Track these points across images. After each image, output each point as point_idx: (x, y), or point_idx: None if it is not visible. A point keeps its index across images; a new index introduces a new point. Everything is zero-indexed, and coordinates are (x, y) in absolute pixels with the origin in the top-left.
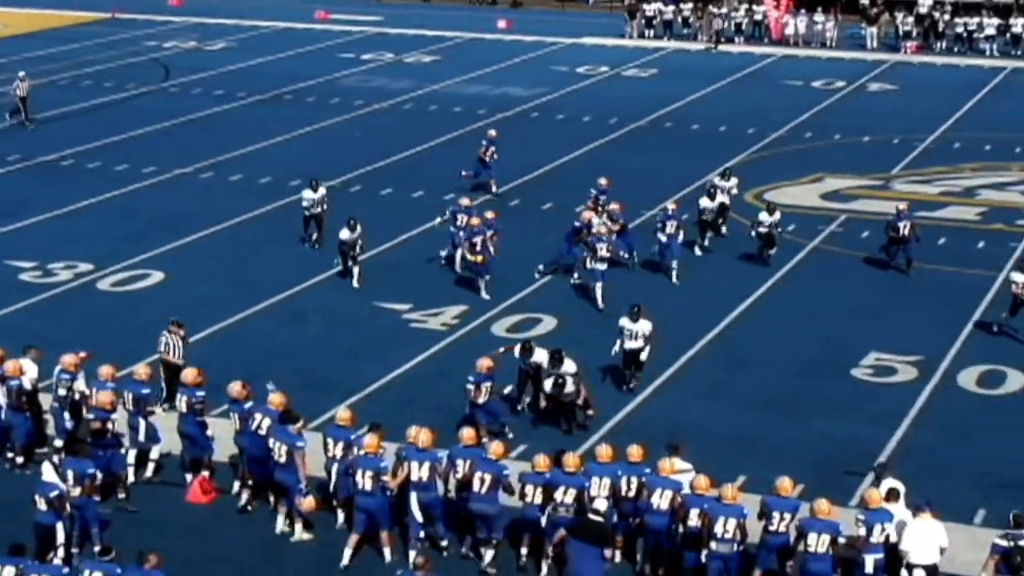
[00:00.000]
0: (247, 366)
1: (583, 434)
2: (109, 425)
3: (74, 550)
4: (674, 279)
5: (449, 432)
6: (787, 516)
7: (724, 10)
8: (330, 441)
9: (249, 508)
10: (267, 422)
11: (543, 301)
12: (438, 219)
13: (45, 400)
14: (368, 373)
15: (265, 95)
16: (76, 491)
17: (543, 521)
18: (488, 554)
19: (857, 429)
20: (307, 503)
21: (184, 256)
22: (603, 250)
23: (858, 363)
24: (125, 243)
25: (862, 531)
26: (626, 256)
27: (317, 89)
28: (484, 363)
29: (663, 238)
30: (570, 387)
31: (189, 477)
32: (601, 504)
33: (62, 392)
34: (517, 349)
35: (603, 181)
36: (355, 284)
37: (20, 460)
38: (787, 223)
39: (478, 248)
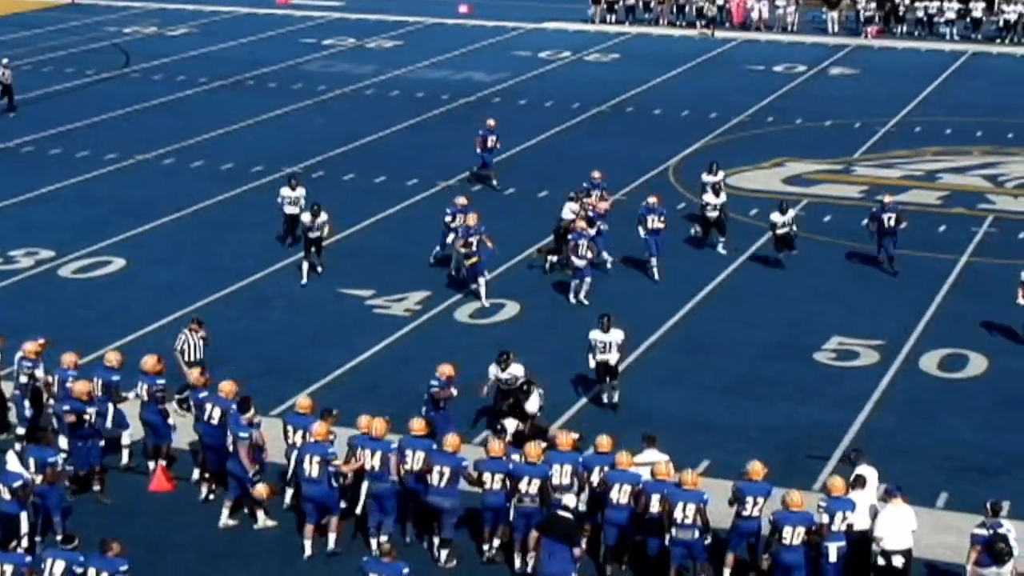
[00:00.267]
0: (210, 353)
1: (545, 422)
2: (87, 416)
3: (37, 539)
4: (655, 276)
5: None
6: (760, 500)
7: None
8: (290, 428)
9: (211, 498)
10: (218, 411)
11: (506, 287)
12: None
13: (7, 387)
14: (331, 359)
15: (227, 81)
16: (38, 479)
17: (511, 514)
18: (443, 553)
19: (820, 413)
20: (258, 491)
21: (146, 242)
22: (584, 247)
23: (820, 347)
24: (87, 229)
25: (825, 518)
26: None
27: (279, 75)
28: (445, 370)
29: (642, 232)
30: (532, 405)
31: (152, 465)
32: (570, 500)
33: (23, 380)
34: (493, 367)
35: (596, 174)
36: (304, 279)
37: None
38: (748, 207)
39: (473, 247)
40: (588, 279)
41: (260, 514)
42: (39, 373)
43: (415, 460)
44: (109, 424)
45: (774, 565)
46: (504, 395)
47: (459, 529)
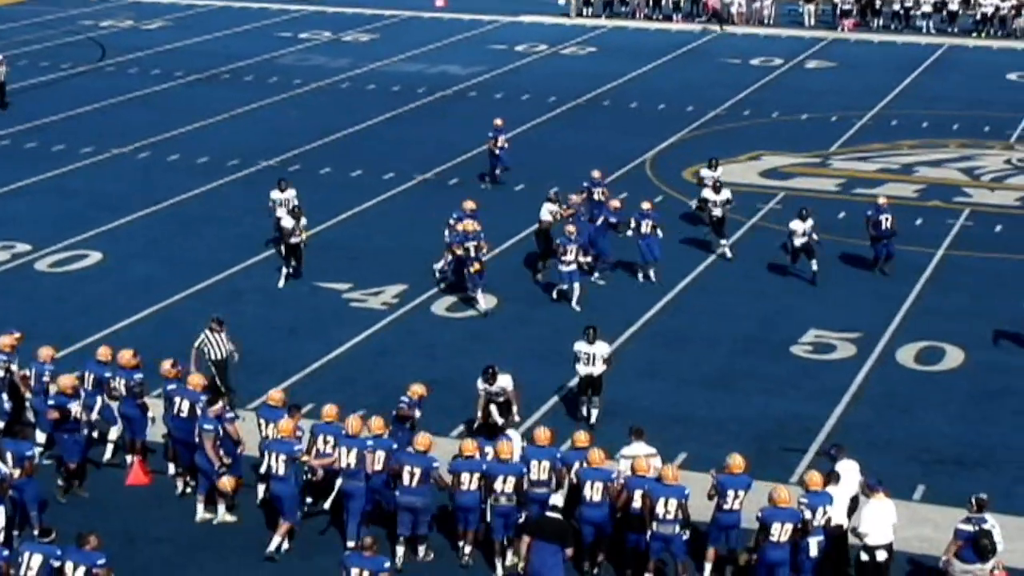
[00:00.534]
0: (186, 347)
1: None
2: (72, 410)
3: (14, 532)
4: (652, 279)
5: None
6: (740, 494)
7: None
8: (262, 422)
9: (188, 491)
10: (187, 404)
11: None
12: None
13: None
14: (308, 353)
15: (202, 74)
16: (16, 473)
17: (487, 514)
18: (421, 549)
19: (796, 406)
20: (223, 484)
21: (122, 236)
22: (572, 252)
23: (797, 340)
24: (62, 223)
25: (808, 514)
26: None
27: (255, 68)
28: (417, 389)
29: (635, 237)
30: (504, 398)
31: (129, 459)
32: (558, 499)
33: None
34: (480, 382)
35: (596, 173)
36: (281, 283)
37: None
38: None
39: (472, 254)
40: (576, 284)
41: (220, 508)
42: (15, 367)
43: (375, 459)
44: (95, 416)
45: (759, 562)
46: (494, 407)
47: (431, 530)
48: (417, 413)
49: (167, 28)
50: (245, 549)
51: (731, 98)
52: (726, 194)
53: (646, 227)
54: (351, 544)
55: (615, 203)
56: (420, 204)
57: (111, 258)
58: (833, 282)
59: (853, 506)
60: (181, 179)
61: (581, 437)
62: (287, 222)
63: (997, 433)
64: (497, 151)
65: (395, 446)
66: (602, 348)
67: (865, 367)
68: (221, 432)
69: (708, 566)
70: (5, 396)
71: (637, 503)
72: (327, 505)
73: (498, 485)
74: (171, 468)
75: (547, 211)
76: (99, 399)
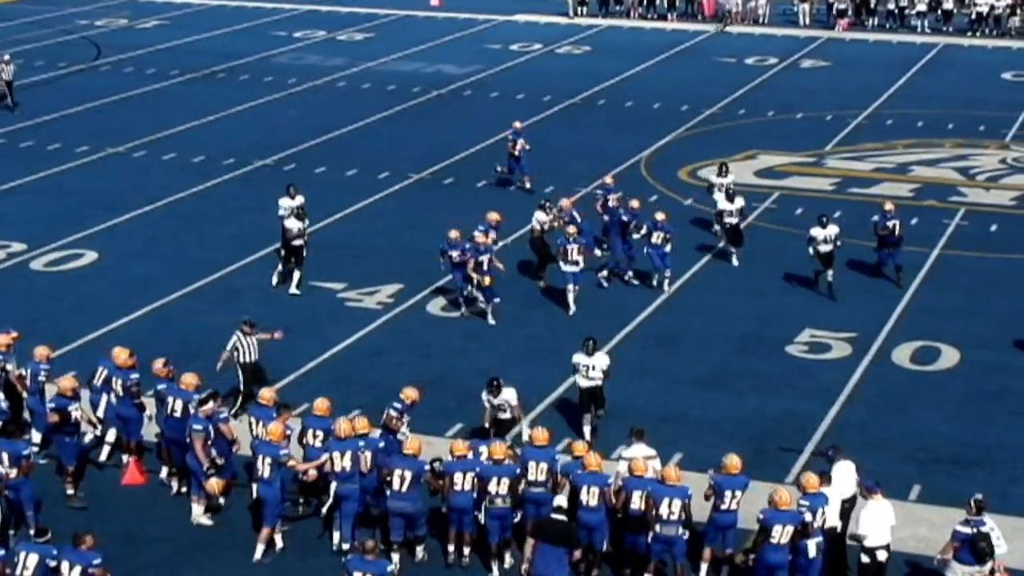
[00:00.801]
0: (182, 346)
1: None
2: (73, 412)
3: (10, 532)
4: (665, 287)
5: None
6: (737, 494)
7: None
8: (253, 421)
9: (183, 491)
10: (180, 404)
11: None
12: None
13: None
14: (303, 352)
15: (198, 73)
16: (12, 472)
17: (481, 517)
18: (419, 549)
19: (792, 405)
20: (210, 485)
21: (118, 235)
22: (574, 252)
23: (793, 340)
24: (58, 222)
25: (808, 516)
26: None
27: (250, 67)
28: (410, 393)
29: (646, 248)
30: (510, 413)
31: (125, 459)
32: (562, 501)
33: None
34: (484, 393)
35: (608, 179)
36: (275, 281)
37: None
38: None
39: (485, 267)
40: (576, 286)
41: (198, 508)
42: (10, 366)
43: (363, 459)
44: (101, 413)
45: (758, 564)
46: (497, 423)
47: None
48: (406, 420)
49: (162, 27)
50: (242, 549)
51: (726, 97)
52: (740, 202)
53: (657, 238)
54: (345, 546)
55: (634, 203)
56: (415, 203)
57: (107, 257)
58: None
59: (851, 507)
60: (177, 178)
61: (581, 447)
62: (291, 223)
63: (993, 433)
64: (516, 154)
65: (381, 445)
66: (602, 360)
67: (861, 367)
68: (213, 432)
69: (704, 566)
70: (1, 396)
71: (635, 504)
72: (325, 510)
73: (492, 487)
74: (163, 470)
75: (536, 220)
76: (104, 396)
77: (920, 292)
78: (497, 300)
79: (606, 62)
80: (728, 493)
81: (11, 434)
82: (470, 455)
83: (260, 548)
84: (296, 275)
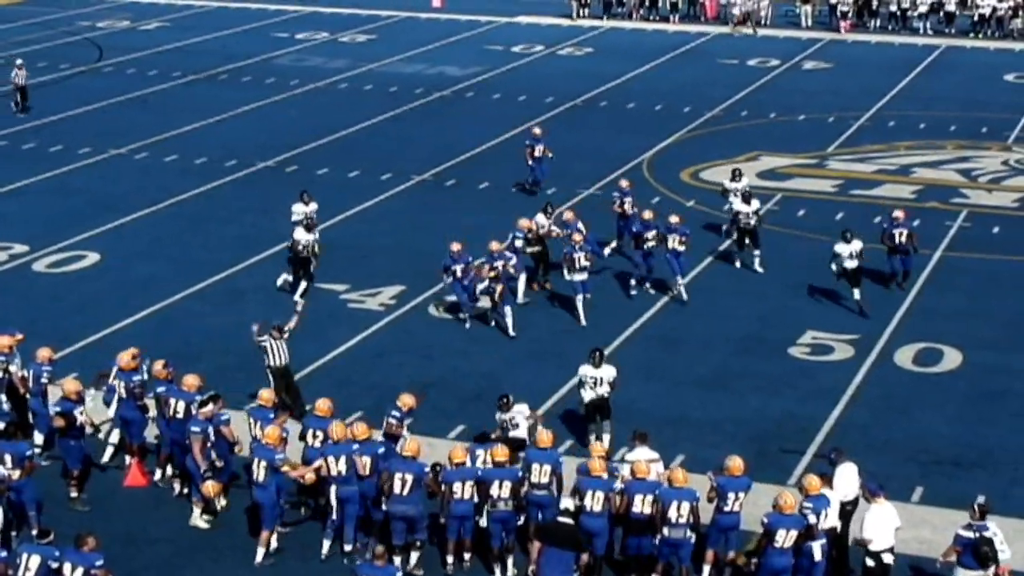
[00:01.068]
0: (184, 347)
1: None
2: (78, 416)
3: (12, 533)
4: (683, 296)
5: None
6: (741, 495)
7: None
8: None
9: (185, 492)
10: (182, 405)
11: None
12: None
13: None
14: (306, 353)
15: (200, 75)
16: (15, 474)
17: (483, 521)
18: (414, 556)
19: (794, 407)
20: (206, 488)
21: (120, 237)
22: (582, 260)
23: (795, 341)
24: (61, 224)
25: (812, 519)
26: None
27: (252, 68)
28: (407, 400)
29: (665, 254)
30: (522, 431)
31: (128, 460)
32: (569, 503)
33: None
34: (498, 413)
35: (624, 183)
36: (279, 282)
37: None
38: (723, 201)
39: (499, 276)
40: (586, 295)
41: (196, 510)
42: (14, 368)
43: (361, 465)
44: (114, 405)
45: (761, 567)
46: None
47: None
48: (406, 426)
49: (164, 28)
50: (243, 551)
51: (728, 99)
52: (756, 204)
53: (673, 242)
54: (348, 547)
55: (647, 214)
56: (418, 205)
57: (109, 258)
58: (831, 284)
59: (852, 509)
60: (179, 179)
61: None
62: (300, 234)
63: (995, 434)
64: (531, 161)
65: (381, 451)
66: (609, 372)
67: (863, 368)
68: (212, 435)
69: (707, 568)
70: (3, 397)
71: (637, 507)
72: (334, 516)
73: (494, 490)
74: (158, 472)
75: (536, 222)
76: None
77: (922, 294)
78: (509, 308)
79: (608, 64)
80: (731, 495)
81: (12, 435)
82: (468, 461)
83: (261, 551)
84: (303, 285)
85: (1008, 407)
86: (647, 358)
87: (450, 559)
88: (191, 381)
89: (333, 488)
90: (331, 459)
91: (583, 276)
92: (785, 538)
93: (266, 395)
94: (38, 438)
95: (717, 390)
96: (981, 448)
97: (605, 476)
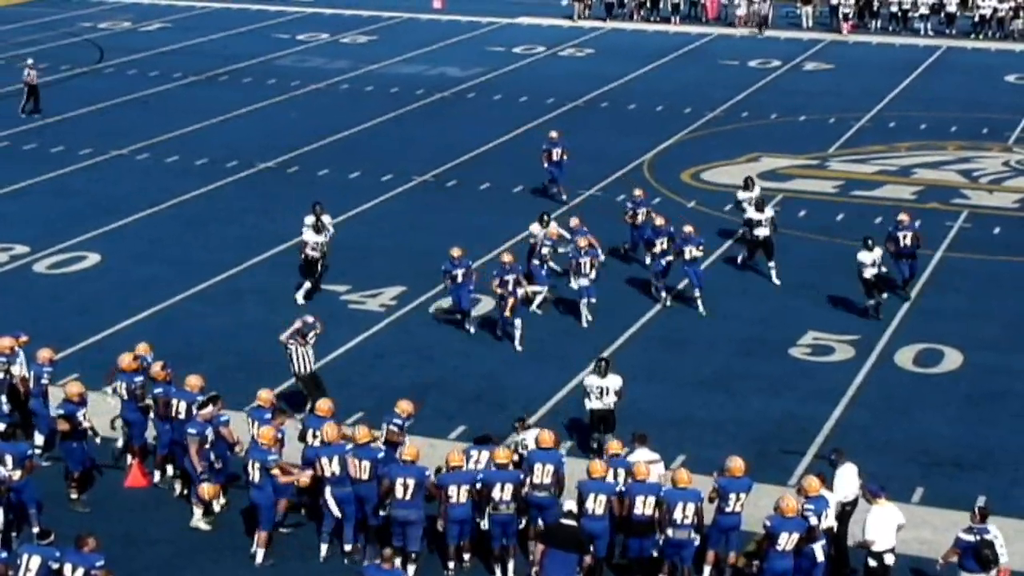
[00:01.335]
0: (184, 348)
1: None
2: (80, 418)
3: (13, 534)
4: (700, 309)
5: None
6: (742, 496)
7: None
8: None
9: (186, 493)
10: (184, 406)
11: (480, 282)
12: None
13: None
14: None
15: (201, 76)
16: (17, 474)
17: (484, 523)
18: (411, 569)
19: (795, 408)
20: (202, 489)
21: (121, 238)
22: (586, 265)
23: (796, 342)
24: (61, 225)
25: (813, 520)
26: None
27: (253, 69)
28: (406, 407)
29: (683, 266)
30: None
31: (129, 460)
32: (572, 506)
33: None
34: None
35: (638, 192)
36: (300, 301)
37: None
38: (724, 202)
39: (510, 288)
40: (590, 299)
41: (197, 512)
42: (15, 369)
43: (360, 469)
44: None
45: (764, 571)
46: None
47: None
48: (406, 440)
49: (165, 29)
50: (244, 551)
51: (729, 100)
52: (770, 211)
53: (689, 253)
54: (347, 547)
55: (660, 220)
56: (419, 206)
57: (110, 259)
58: (831, 285)
59: (852, 510)
60: (180, 180)
61: (615, 445)
62: (309, 235)
63: (995, 435)
64: (547, 165)
65: (381, 455)
66: (614, 381)
67: (864, 369)
68: (211, 436)
69: (708, 568)
70: (4, 399)
71: (639, 509)
72: (330, 518)
73: (496, 493)
74: (157, 474)
75: (530, 232)
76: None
77: (923, 294)
78: (519, 321)
79: (609, 65)
80: (732, 496)
81: (8, 436)
82: (466, 464)
83: (260, 552)
84: (307, 286)
85: (1008, 408)
86: (648, 359)
87: (451, 564)
88: (194, 382)
89: (328, 489)
90: (324, 460)
91: (586, 281)
92: (787, 541)
93: (264, 395)
94: (38, 439)
95: (718, 391)
96: (982, 449)
97: (607, 478)
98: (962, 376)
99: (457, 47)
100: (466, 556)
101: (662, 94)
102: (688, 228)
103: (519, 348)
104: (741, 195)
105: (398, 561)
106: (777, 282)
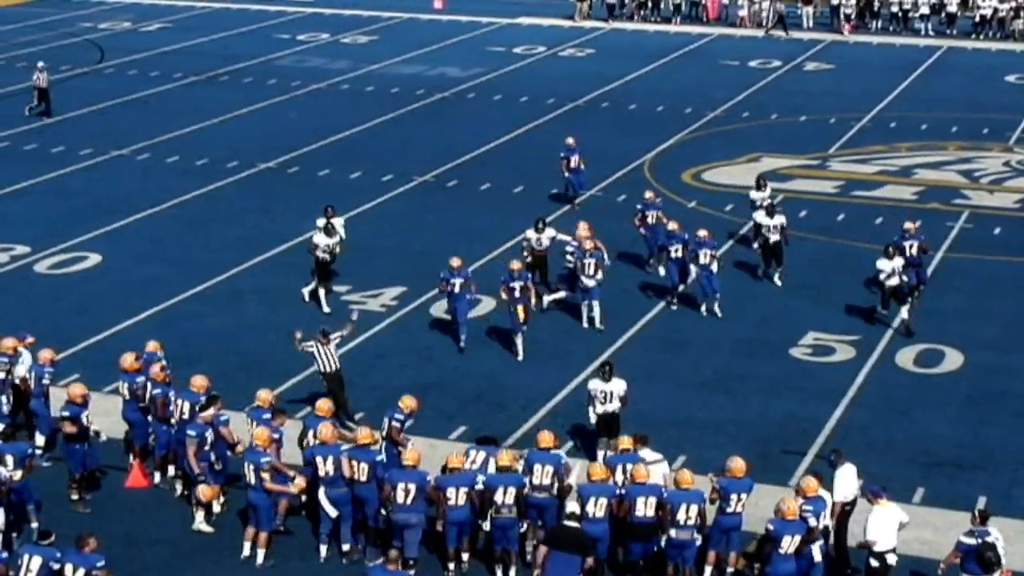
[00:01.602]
0: (185, 348)
1: (515, 422)
2: (84, 420)
3: (13, 535)
4: (717, 312)
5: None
6: (743, 497)
7: None
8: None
9: (187, 493)
10: (187, 406)
11: (480, 283)
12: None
13: None
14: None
15: (201, 76)
16: (17, 474)
17: (486, 525)
18: (409, 574)
19: (795, 408)
20: (200, 491)
21: (122, 238)
22: (591, 267)
23: (796, 343)
24: (62, 225)
25: (812, 521)
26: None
27: (253, 69)
28: (409, 403)
29: (695, 269)
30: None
31: (131, 459)
32: (574, 506)
33: (0, 376)
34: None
35: (649, 194)
36: (325, 309)
37: None
38: (725, 203)
39: (517, 295)
40: (597, 301)
41: (199, 515)
42: (16, 370)
43: (358, 470)
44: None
45: (765, 574)
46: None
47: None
48: (409, 443)
49: (166, 30)
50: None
51: (730, 100)
52: (781, 218)
53: (704, 257)
54: (346, 547)
55: (672, 224)
56: (419, 206)
57: (111, 259)
58: (832, 285)
59: (851, 510)
60: (180, 180)
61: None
62: (319, 238)
63: (995, 435)
64: (567, 172)
65: (380, 458)
66: (619, 386)
67: (864, 369)
68: (211, 438)
69: (708, 569)
70: (4, 399)
71: (640, 511)
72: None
73: (499, 497)
74: (157, 475)
75: (524, 238)
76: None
77: (924, 294)
78: (525, 328)
79: (610, 65)
80: (733, 496)
81: (7, 437)
82: (466, 465)
83: (261, 553)
84: (312, 285)
85: (1009, 408)
86: (649, 360)
87: (451, 566)
88: (199, 382)
89: (321, 490)
90: (319, 459)
91: (592, 284)
92: (790, 544)
93: (264, 396)
94: (39, 439)
95: (719, 391)
96: (982, 449)
97: (608, 481)
98: (962, 376)
99: (457, 47)
100: (465, 557)
101: (663, 94)
102: (702, 232)
103: (520, 358)
104: (754, 195)
105: (410, 573)
106: (779, 283)
